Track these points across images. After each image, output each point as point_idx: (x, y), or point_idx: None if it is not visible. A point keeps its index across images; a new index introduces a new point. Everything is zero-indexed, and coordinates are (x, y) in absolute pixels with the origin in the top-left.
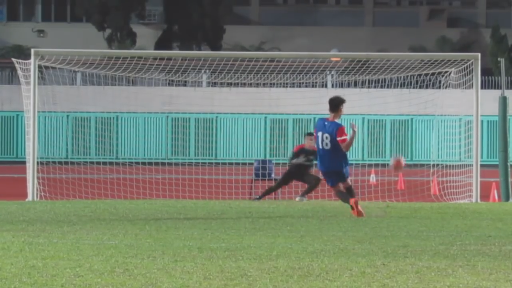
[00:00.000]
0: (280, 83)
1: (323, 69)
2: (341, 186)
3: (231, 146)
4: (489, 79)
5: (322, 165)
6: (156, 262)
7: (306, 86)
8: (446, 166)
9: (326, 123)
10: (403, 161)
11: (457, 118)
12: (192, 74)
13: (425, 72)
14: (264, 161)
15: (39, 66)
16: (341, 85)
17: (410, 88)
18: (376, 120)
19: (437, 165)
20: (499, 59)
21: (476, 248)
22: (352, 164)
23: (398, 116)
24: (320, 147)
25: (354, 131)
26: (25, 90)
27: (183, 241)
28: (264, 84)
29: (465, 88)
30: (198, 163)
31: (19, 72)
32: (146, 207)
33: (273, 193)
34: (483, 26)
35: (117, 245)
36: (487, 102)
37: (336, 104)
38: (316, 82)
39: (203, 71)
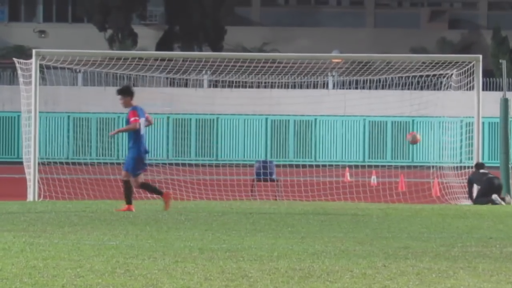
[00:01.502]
0: (281, 84)
1: (324, 70)
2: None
3: (232, 146)
4: (490, 81)
5: (145, 149)
6: (157, 263)
7: (307, 87)
8: (447, 167)
9: (142, 108)
10: (418, 135)
11: (458, 119)
12: (193, 74)
13: (426, 74)
14: (265, 162)
15: (40, 66)
16: (342, 86)
17: (411, 89)
18: (377, 121)
19: (438, 166)
20: (500, 61)
21: (477, 250)
22: (355, 165)
23: (399, 117)
24: (143, 132)
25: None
26: (23, 91)
27: (184, 242)
28: (265, 85)
29: (466, 89)
30: (199, 163)
31: (19, 72)
32: (147, 208)
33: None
34: (484, 28)
35: (118, 245)
36: (488, 103)
37: (132, 90)
38: (317, 83)
39: (204, 71)
